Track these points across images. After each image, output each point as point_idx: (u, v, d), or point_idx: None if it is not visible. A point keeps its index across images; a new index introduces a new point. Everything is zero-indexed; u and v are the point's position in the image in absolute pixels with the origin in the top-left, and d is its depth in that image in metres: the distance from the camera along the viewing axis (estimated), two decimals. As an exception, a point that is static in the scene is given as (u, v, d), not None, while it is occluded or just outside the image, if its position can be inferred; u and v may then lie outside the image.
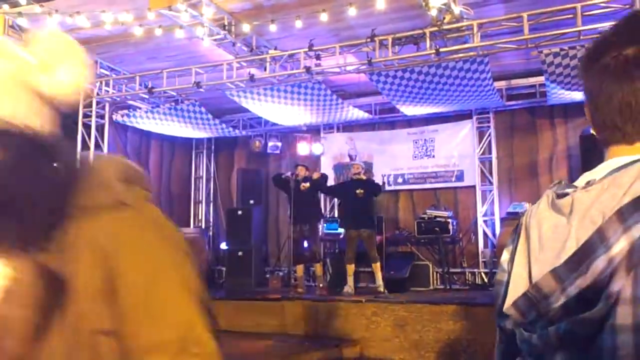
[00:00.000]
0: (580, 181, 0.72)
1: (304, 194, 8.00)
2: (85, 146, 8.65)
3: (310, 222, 8.01)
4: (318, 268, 8.14)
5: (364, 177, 7.99)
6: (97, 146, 8.75)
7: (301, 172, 8.22)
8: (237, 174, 10.62)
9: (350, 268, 7.77)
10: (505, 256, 0.74)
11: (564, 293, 0.59)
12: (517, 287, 0.66)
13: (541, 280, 0.62)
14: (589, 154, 7.80)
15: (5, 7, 7.02)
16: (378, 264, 7.59)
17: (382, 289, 7.48)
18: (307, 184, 8.00)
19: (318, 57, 7.42)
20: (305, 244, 7.92)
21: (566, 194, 0.70)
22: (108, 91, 8.73)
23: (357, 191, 7.64)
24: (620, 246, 0.57)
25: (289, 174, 8.35)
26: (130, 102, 9.36)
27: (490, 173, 9.06)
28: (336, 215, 9.26)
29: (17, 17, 7.01)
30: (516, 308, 0.64)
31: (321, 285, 7.97)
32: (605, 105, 0.74)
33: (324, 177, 8.46)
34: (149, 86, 8.40)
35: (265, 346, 6.20)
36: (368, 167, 9.72)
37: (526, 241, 0.69)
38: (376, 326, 6.37)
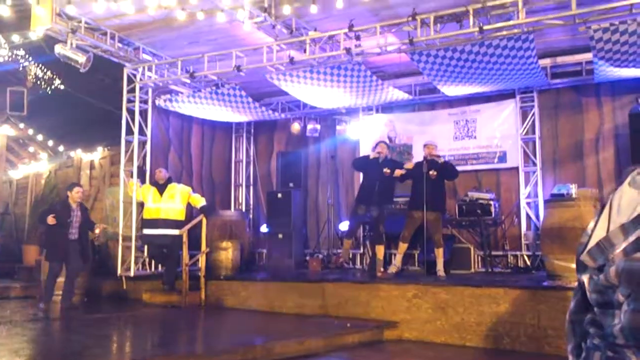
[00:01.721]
0: None
1: (381, 176, 7.55)
2: (129, 131, 8.85)
3: (378, 204, 7.65)
4: (380, 250, 7.75)
5: (439, 160, 7.53)
6: (141, 131, 8.93)
7: (383, 148, 7.82)
8: (276, 157, 10.70)
9: (403, 246, 7.54)
10: (590, 225, 0.86)
11: (626, 240, 0.72)
12: (594, 242, 0.80)
13: (611, 232, 0.76)
14: (639, 135, 7.55)
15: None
16: (441, 249, 7.39)
17: (441, 273, 7.26)
18: (388, 171, 7.50)
19: (358, 38, 7.35)
20: (344, 226, 7.82)
21: None
22: (151, 76, 8.88)
23: (430, 172, 7.33)
24: None
25: (375, 152, 7.82)
26: (172, 87, 9.51)
27: (534, 154, 8.85)
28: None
29: (65, 5, 7.18)
30: (590, 255, 0.79)
31: (382, 269, 7.57)
32: None
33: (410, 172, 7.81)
34: (191, 71, 8.50)
35: (307, 325, 6.26)
36: (408, 149, 9.65)
37: (609, 211, 0.82)
38: (417, 308, 6.34)
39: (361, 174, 8.76)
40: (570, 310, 0.88)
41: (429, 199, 7.21)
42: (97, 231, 7.91)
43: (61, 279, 7.66)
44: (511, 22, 6.69)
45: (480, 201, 8.25)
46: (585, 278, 0.81)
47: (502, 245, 8.77)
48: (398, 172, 7.56)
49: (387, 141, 9.81)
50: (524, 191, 8.81)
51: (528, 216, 8.75)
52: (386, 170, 7.53)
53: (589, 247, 0.80)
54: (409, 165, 7.72)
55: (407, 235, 7.51)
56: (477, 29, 6.68)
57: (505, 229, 8.79)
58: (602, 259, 0.75)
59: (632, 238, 0.72)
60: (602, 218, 0.81)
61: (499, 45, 6.92)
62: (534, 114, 8.91)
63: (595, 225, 0.82)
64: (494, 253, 8.60)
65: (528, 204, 8.78)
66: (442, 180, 7.54)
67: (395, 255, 7.79)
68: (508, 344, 5.80)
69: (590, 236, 0.83)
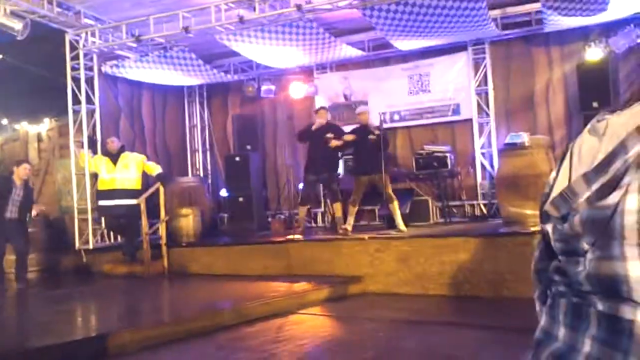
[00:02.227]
0: (619, 108, 0.80)
1: (325, 143, 7.58)
2: (76, 101, 8.53)
3: (328, 167, 7.75)
4: (338, 208, 7.86)
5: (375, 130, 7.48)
6: (89, 100, 8.62)
7: (323, 114, 7.86)
8: (232, 120, 10.53)
9: (354, 209, 7.65)
10: (552, 175, 0.84)
11: (589, 189, 0.72)
12: (557, 192, 0.79)
13: (574, 182, 0.76)
14: (587, 82, 7.75)
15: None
16: (395, 203, 7.44)
17: (402, 228, 7.30)
18: (340, 143, 7.55)
19: (308, -6, 7.21)
20: (316, 188, 7.78)
21: (603, 119, 0.79)
22: (95, 42, 8.52)
23: (370, 137, 7.37)
24: (635, 150, 0.69)
25: (318, 121, 7.84)
26: (119, 52, 9.16)
27: (487, 105, 8.99)
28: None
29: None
30: (553, 205, 0.78)
31: (343, 226, 7.58)
32: None
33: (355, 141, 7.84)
34: (136, 34, 8.19)
35: (273, 286, 6.31)
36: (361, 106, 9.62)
37: (569, 160, 0.81)
38: (380, 262, 6.47)
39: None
40: (535, 258, 0.88)
41: (372, 162, 7.27)
42: (34, 213, 7.57)
43: (11, 257, 7.43)
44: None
45: (437, 154, 8.37)
46: (549, 227, 0.81)
47: (459, 195, 8.98)
48: (334, 143, 7.55)
49: (343, 99, 9.81)
50: (478, 142, 8.98)
51: (483, 166, 8.95)
52: (329, 135, 7.56)
53: (552, 197, 0.79)
54: (348, 137, 7.65)
55: (356, 199, 7.58)
56: (426, -20, 6.63)
57: (461, 179, 8.99)
58: (565, 208, 0.75)
59: (595, 187, 0.71)
60: (563, 167, 0.81)
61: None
62: (485, 65, 9.01)
63: (557, 175, 0.82)
64: (451, 203, 8.80)
65: (483, 154, 8.97)
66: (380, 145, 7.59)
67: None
68: (469, 290, 6.00)
69: (552, 186, 0.82)
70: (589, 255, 0.71)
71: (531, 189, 6.19)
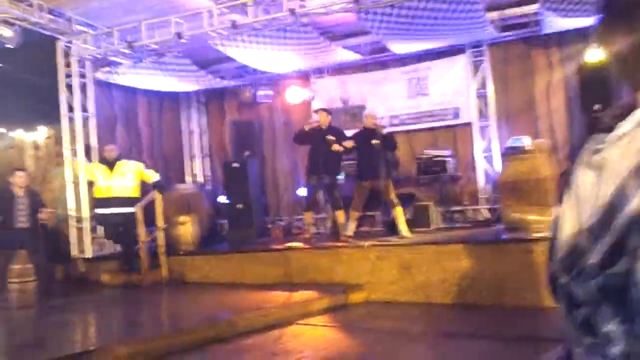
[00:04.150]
0: (615, 133, 0.72)
1: (326, 146, 7.47)
2: (71, 108, 8.42)
3: (329, 171, 7.63)
4: (340, 215, 7.74)
5: (380, 130, 7.41)
6: (83, 107, 8.51)
7: (322, 117, 7.74)
8: (229, 125, 10.41)
9: (355, 214, 7.54)
10: (557, 211, 0.78)
11: (597, 249, 0.65)
12: (562, 246, 0.73)
13: (579, 237, 0.68)
14: (588, 84, 7.63)
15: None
16: (398, 208, 7.34)
17: (406, 234, 7.21)
18: (340, 148, 7.44)
19: (302, -1, 7.11)
20: (302, 192, 7.71)
21: (599, 151, 0.72)
22: (87, 48, 8.41)
23: (373, 141, 7.24)
24: (636, 202, 0.62)
25: (312, 121, 7.81)
26: (112, 59, 9.03)
27: (487, 108, 8.87)
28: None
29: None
30: (562, 267, 0.71)
31: (346, 233, 7.47)
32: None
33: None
34: (129, 40, 8.08)
35: (271, 296, 6.19)
36: (361, 110, 9.52)
37: (573, 196, 0.74)
38: (381, 270, 6.35)
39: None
40: (551, 272, 0.79)
41: (376, 167, 7.15)
42: (41, 216, 7.50)
43: (18, 266, 7.33)
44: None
45: (437, 158, 8.26)
46: (563, 281, 0.74)
47: (461, 200, 8.85)
48: (335, 148, 7.42)
49: (341, 103, 9.70)
50: (479, 146, 8.86)
51: (485, 170, 8.82)
52: (330, 137, 7.45)
53: (559, 252, 0.73)
54: (348, 144, 7.52)
55: (358, 204, 7.48)
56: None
57: (463, 184, 8.87)
58: (575, 269, 0.70)
59: (602, 247, 0.65)
60: (568, 205, 0.74)
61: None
62: (484, 68, 8.90)
63: (562, 214, 0.75)
64: (453, 208, 8.68)
65: (484, 158, 8.84)
66: (385, 148, 7.47)
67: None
68: (471, 298, 5.88)
69: (557, 227, 0.76)
70: (618, 328, 0.64)
71: (534, 194, 6.07)
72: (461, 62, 8.97)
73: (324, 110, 7.99)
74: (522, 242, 5.78)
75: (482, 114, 8.91)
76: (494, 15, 8.28)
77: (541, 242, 5.51)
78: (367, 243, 6.73)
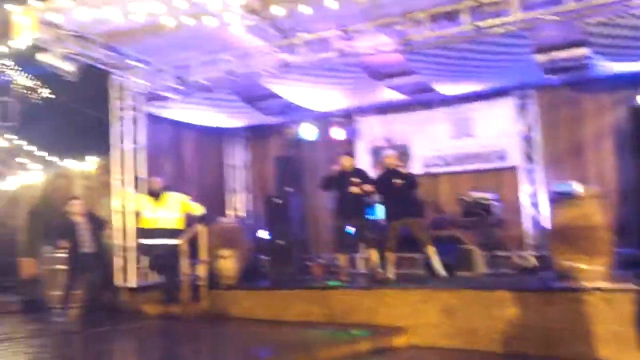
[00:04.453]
0: None
1: (349, 186, 7.63)
2: (120, 139, 8.67)
3: (358, 213, 7.73)
4: (373, 254, 7.81)
5: (402, 170, 7.64)
6: (133, 139, 8.75)
7: (346, 162, 7.89)
8: (273, 161, 10.52)
9: (391, 256, 7.62)
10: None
11: None
12: None
13: None
14: (639, 129, 7.47)
15: (37, 2, 7.00)
16: (430, 247, 7.33)
17: (441, 272, 7.23)
18: (358, 190, 7.59)
19: (350, 39, 7.22)
20: (352, 231, 7.71)
21: None
22: (140, 83, 8.69)
23: (395, 181, 7.39)
24: None
25: (335, 167, 7.94)
26: (163, 93, 9.29)
27: (534, 151, 8.74)
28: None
29: (49, 13, 6.98)
30: None
31: (379, 270, 7.61)
32: None
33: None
34: (181, 76, 8.32)
35: (315, 336, 6.12)
36: (405, 150, 9.51)
37: None
38: (424, 314, 6.21)
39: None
40: None
41: (401, 206, 7.35)
42: (108, 233, 7.94)
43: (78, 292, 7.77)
44: (507, 19, 6.58)
45: (482, 201, 8.14)
46: None
47: (506, 245, 8.65)
48: (354, 190, 7.57)
49: (384, 142, 9.71)
50: (525, 190, 8.70)
51: (530, 215, 8.63)
52: (355, 180, 7.58)
53: None
54: (367, 187, 7.63)
55: (392, 246, 7.55)
56: (472, 26, 6.56)
57: (508, 228, 8.66)
58: None
59: None
60: None
61: (494, 42, 6.82)
62: (532, 110, 8.82)
63: None
64: (498, 253, 8.47)
65: (530, 202, 8.66)
66: (408, 188, 7.56)
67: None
68: (518, 347, 5.69)
69: None
70: None
71: (585, 242, 5.88)
72: (507, 104, 8.91)
73: (347, 154, 8.11)
74: (572, 291, 5.59)
75: (529, 158, 8.77)
76: (543, 58, 8.22)
77: (592, 292, 5.32)
78: (410, 285, 6.62)
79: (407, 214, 7.37)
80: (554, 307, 5.57)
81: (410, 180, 7.57)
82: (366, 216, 7.97)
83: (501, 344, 5.76)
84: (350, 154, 8.22)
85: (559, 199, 6.71)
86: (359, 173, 7.87)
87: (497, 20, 6.59)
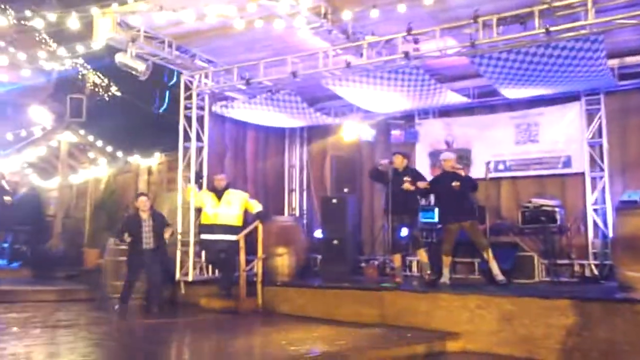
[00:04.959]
0: None
1: (401, 184, 7.73)
2: (187, 137, 8.98)
3: (408, 212, 7.79)
4: (422, 255, 7.91)
5: (460, 172, 7.62)
6: (198, 137, 9.03)
7: (397, 160, 7.97)
8: (330, 161, 10.61)
9: (447, 259, 7.61)
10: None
11: None
12: None
13: None
14: None
15: (115, 5, 7.36)
16: (488, 250, 7.28)
17: (500, 278, 7.19)
18: (412, 187, 7.71)
19: (416, 42, 7.21)
20: (404, 232, 7.72)
21: None
22: (207, 83, 8.97)
23: (453, 184, 7.40)
24: None
25: (385, 161, 8.08)
26: (228, 93, 9.58)
27: (601, 159, 8.46)
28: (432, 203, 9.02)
29: (127, 15, 7.33)
30: None
31: (428, 272, 7.71)
32: None
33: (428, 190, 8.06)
34: (246, 77, 8.54)
35: (367, 336, 6.15)
36: (466, 154, 9.40)
37: None
38: (481, 319, 6.14)
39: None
40: None
41: (458, 208, 7.38)
42: (166, 235, 8.06)
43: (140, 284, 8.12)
44: (579, 23, 6.41)
45: (545, 208, 7.95)
46: None
47: (568, 253, 8.41)
48: (407, 187, 7.67)
49: (445, 146, 9.63)
50: (590, 198, 8.43)
51: (595, 224, 8.36)
52: (406, 178, 7.68)
53: None
54: (421, 184, 7.74)
55: (448, 248, 7.59)
56: (543, 30, 6.44)
57: (570, 237, 8.43)
58: None
59: None
60: None
61: (566, 46, 6.65)
62: (600, 116, 8.53)
63: None
64: (559, 262, 8.25)
65: (595, 210, 8.38)
66: (466, 190, 7.55)
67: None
68: (577, 357, 5.54)
69: None
70: None
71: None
72: (575, 109, 8.67)
73: (400, 153, 8.11)
74: (636, 303, 5.40)
75: (595, 165, 8.50)
76: (614, 62, 7.98)
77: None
78: (467, 290, 6.56)
79: (464, 216, 7.34)
80: (616, 319, 5.40)
81: (469, 183, 7.55)
82: (417, 216, 8.05)
83: (561, 355, 5.62)
84: (404, 153, 8.20)
85: (625, 207, 6.50)
86: (412, 172, 7.95)
87: (569, 25, 6.44)
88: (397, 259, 8.09)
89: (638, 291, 5.85)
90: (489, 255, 7.30)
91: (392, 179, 7.78)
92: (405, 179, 7.72)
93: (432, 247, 8.49)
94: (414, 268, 9.56)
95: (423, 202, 8.82)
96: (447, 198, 7.56)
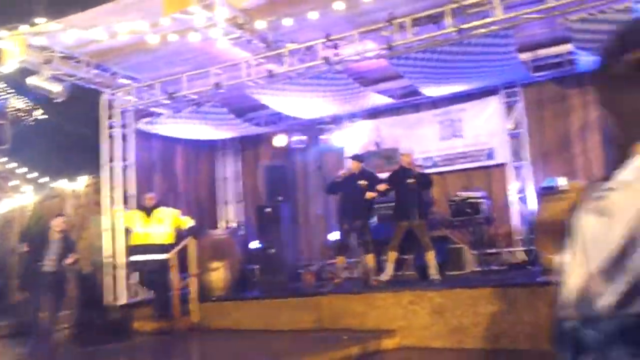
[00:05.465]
0: (616, 181, 0.77)
1: (358, 191, 7.60)
2: (112, 157, 8.74)
3: (362, 218, 7.69)
4: (370, 259, 7.75)
5: (414, 169, 7.58)
6: (124, 156, 8.81)
7: (354, 166, 7.87)
8: (262, 171, 10.58)
9: (393, 255, 7.54)
10: (562, 258, 0.81)
11: (612, 291, 0.67)
12: (571, 291, 0.75)
13: (592, 280, 0.71)
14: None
15: (24, 27, 7.10)
16: (431, 252, 7.32)
17: (435, 277, 7.20)
18: (375, 195, 7.60)
19: (336, 47, 7.30)
20: (334, 236, 7.72)
21: (603, 197, 0.76)
22: (130, 100, 8.78)
23: (409, 181, 7.34)
24: None
25: (343, 171, 7.95)
26: (153, 109, 9.39)
27: (522, 149, 8.80)
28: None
29: (34, 35, 7.08)
30: (571, 311, 0.73)
31: (374, 278, 7.55)
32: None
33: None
34: (170, 91, 8.41)
35: (303, 342, 6.14)
36: (393, 153, 9.55)
37: (575, 246, 0.77)
38: (414, 315, 6.24)
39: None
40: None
41: (412, 206, 7.25)
42: (68, 260, 7.57)
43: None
44: (489, 20, 6.64)
45: (470, 200, 8.17)
46: (569, 326, 0.75)
47: (495, 242, 8.69)
48: (370, 195, 7.57)
49: (374, 147, 9.77)
50: (513, 186, 8.75)
51: (519, 211, 8.68)
52: (362, 182, 7.57)
53: (570, 297, 0.75)
54: (381, 187, 7.60)
55: (395, 244, 7.51)
56: (455, 29, 6.63)
57: (497, 226, 8.71)
58: (588, 311, 0.72)
59: (617, 288, 0.68)
60: (574, 251, 0.77)
61: (478, 42, 6.90)
62: (518, 108, 8.87)
63: (569, 260, 0.78)
64: (488, 251, 8.50)
65: (519, 199, 8.71)
66: (420, 188, 7.54)
67: (386, 263, 7.73)
68: (507, 343, 5.70)
69: (566, 273, 0.78)
70: None
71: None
72: (494, 103, 8.98)
73: (354, 158, 8.08)
74: (554, 285, 5.61)
75: (517, 155, 8.83)
76: (527, 56, 8.30)
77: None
78: (399, 288, 6.64)
79: (416, 215, 7.29)
80: (541, 302, 5.59)
81: (423, 180, 7.50)
82: (369, 220, 7.93)
83: (490, 341, 5.77)
84: (359, 157, 8.13)
85: (545, 194, 6.76)
86: (366, 174, 7.84)
87: (479, 22, 6.67)
88: (340, 260, 8.06)
89: (557, 274, 6.07)
90: (432, 256, 7.36)
91: (347, 183, 7.72)
92: (362, 182, 7.59)
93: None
94: (356, 270, 9.59)
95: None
96: (401, 194, 7.47)
